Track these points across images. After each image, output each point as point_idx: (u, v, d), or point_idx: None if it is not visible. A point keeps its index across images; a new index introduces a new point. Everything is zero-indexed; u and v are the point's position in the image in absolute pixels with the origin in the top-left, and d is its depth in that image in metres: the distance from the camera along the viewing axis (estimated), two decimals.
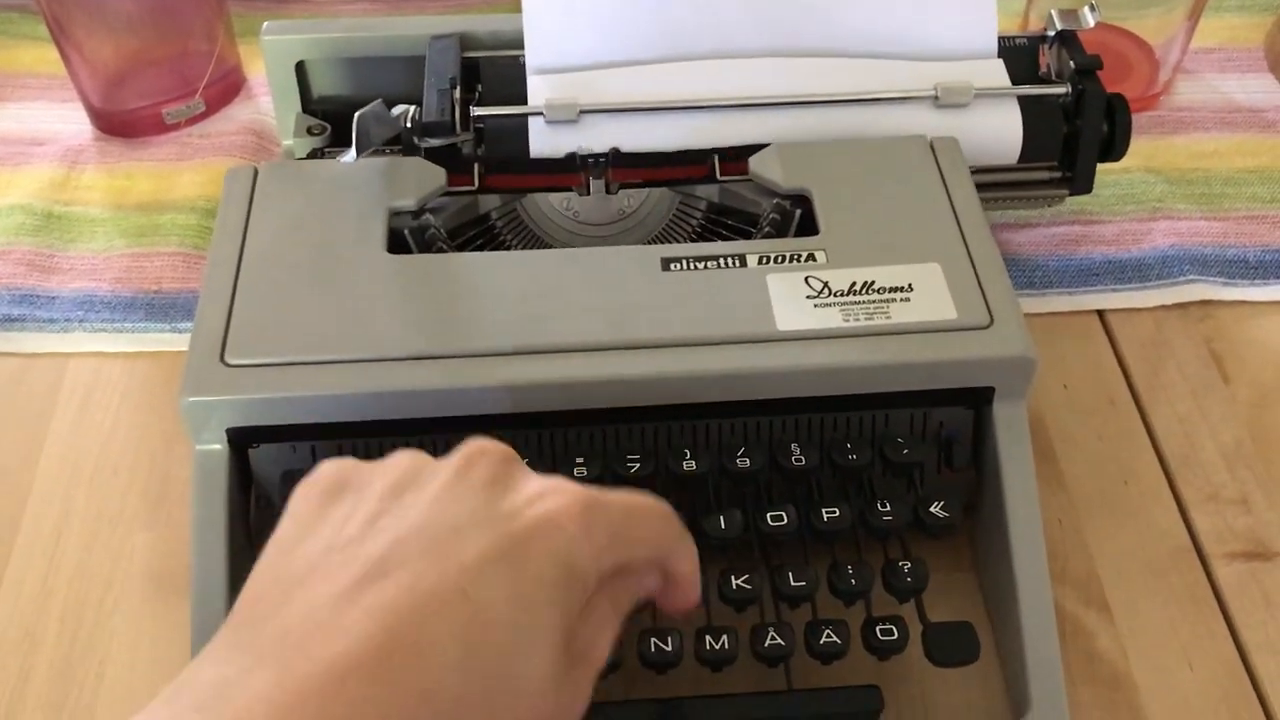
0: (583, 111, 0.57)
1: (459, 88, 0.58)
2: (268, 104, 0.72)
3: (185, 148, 0.71)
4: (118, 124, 0.72)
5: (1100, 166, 0.61)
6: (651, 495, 0.38)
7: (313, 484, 0.36)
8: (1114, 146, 0.60)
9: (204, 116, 0.73)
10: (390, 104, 0.57)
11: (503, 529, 0.33)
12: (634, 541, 0.36)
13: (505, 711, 0.32)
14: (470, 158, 0.57)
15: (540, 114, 0.57)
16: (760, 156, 0.56)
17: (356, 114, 0.54)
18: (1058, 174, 0.61)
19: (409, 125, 0.57)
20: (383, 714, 0.29)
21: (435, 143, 0.57)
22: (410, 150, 0.57)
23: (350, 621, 0.31)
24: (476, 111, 0.57)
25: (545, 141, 0.57)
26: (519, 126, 0.57)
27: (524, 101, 0.58)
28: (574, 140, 0.57)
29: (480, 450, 0.36)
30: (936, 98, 0.58)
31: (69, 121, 0.73)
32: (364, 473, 0.36)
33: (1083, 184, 0.61)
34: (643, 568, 0.38)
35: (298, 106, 0.64)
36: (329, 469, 0.37)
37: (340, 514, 0.35)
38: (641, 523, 0.37)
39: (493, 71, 0.60)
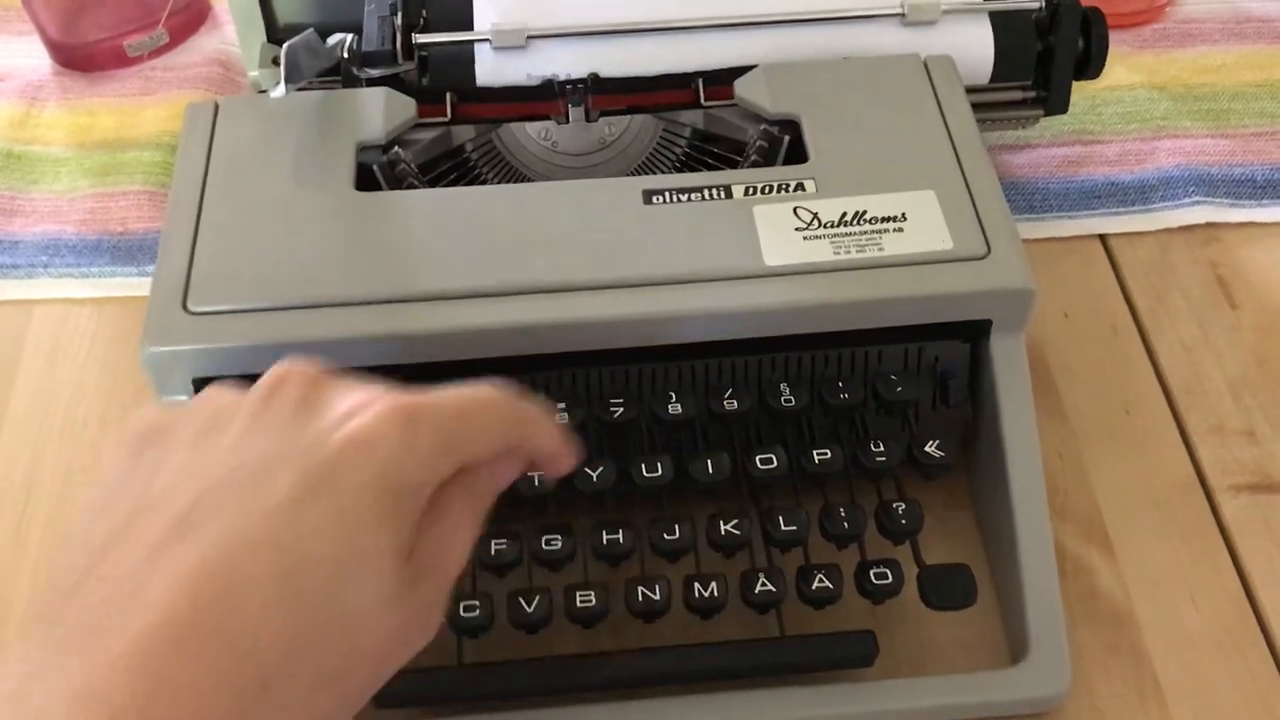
0: (531, 36, 0.54)
1: (401, 13, 0.55)
2: (234, 34, 0.68)
3: (149, 81, 0.68)
4: (78, 58, 0.69)
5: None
6: (488, 384, 0.35)
7: (126, 438, 0.34)
8: (1090, 63, 0.57)
9: (168, 48, 0.70)
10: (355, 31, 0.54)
11: (310, 459, 0.31)
12: (471, 439, 0.34)
13: (341, 642, 0.30)
14: (416, 87, 0.54)
15: (487, 40, 0.54)
16: (746, 80, 0.53)
17: (284, 45, 0.51)
18: (1032, 93, 0.58)
19: (346, 55, 0.54)
20: (195, 682, 0.28)
21: (375, 73, 0.54)
22: (350, 81, 0.54)
23: (154, 590, 0.29)
24: (419, 39, 0.54)
25: (493, 70, 0.54)
26: (465, 54, 0.54)
27: (470, 27, 0.55)
28: (523, 68, 0.54)
29: (283, 376, 0.34)
30: (903, 14, 0.55)
31: (27, 56, 0.70)
32: (169, 420, 0.34)
33: (1058, 104, 0.58)
34: (493, 460, 0.35)
35: (263, 36, 0.61)
36: (138, 419, 0.34)
37: (146, 468, 0.32)
38: (476, 418, 0.34)
39: None
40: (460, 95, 0.54)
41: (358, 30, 0.54)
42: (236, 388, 0.35)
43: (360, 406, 0.33)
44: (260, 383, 0.34)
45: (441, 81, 0.54)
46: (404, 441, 0.32)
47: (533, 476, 0.43)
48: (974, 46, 0.55)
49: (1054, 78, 0.57)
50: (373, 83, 0.54)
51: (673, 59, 0.55)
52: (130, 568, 0.29)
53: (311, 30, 0.52)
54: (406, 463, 0.32)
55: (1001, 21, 0.56)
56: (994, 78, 0.56)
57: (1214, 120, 0.65)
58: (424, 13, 0.56)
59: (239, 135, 0.50)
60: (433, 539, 0.33)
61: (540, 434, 0.36)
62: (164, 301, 0.45)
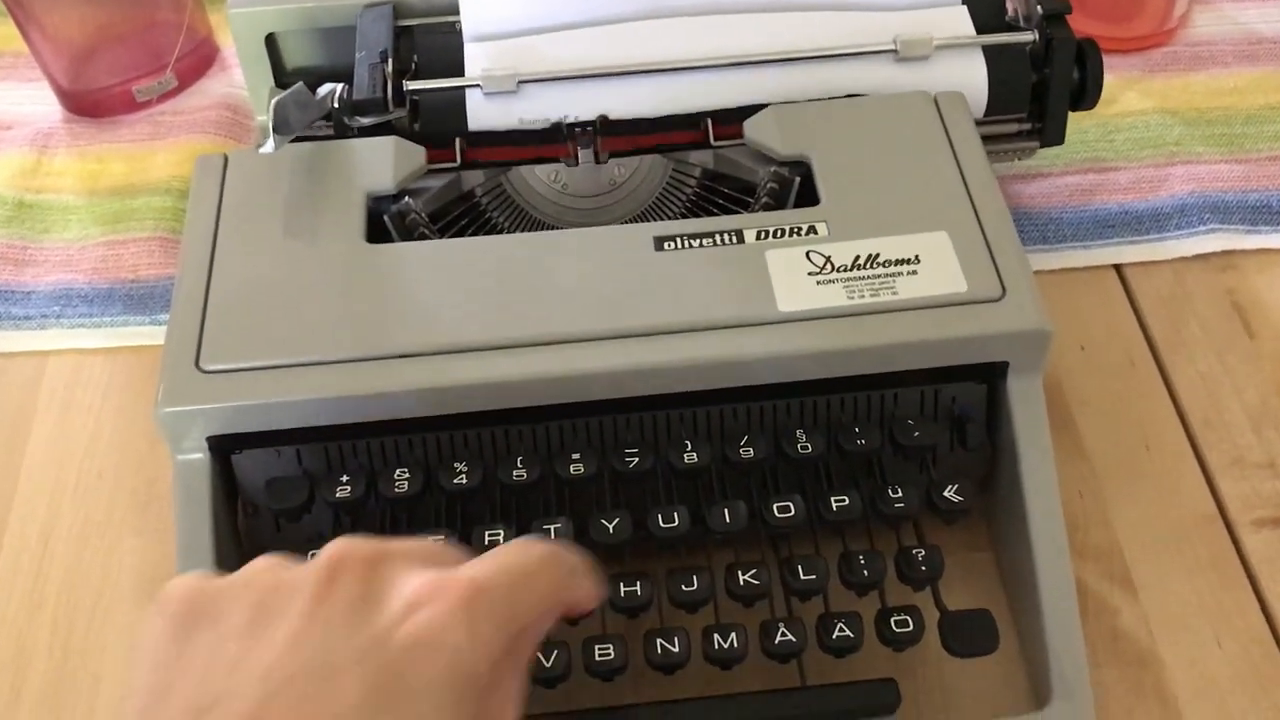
0: (522, 81, 0.54)
1: (391, 60, 0.55)
2: (242, 76, 0.69)
3: (158, 126, 0.68)
4: (87, 104, 0.69)
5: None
6: (532, 542, 0.35)
7: (161, 613, 0.32)
8: (1085, 94, 0.57)
9: (176, 92, 0.70)
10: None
11: (377, 661, 0.30)
12: (527, 611, 0.34)
13: None
14: (408, 134, 0.54)
15: (478, 85, 0.54)
16: (755, 120, 0.53)
17: (272, 100, 0.51)
18: (1028, 125, 0.58)
19: (336, 105, 0.54)
20: None
21: (367, 122, 0.54)
22: (341, 131, 0.54)
23: None
24: (410, 86, 0.54)
25: (484, 115, 0.54)
26: (456, 99, 0.54)
27: (462, 72, 0.55)
28: (515, 112, 0.54)
29: (342, 559, 0.33)
30: (896, 50, 0.55)
31: (37, 103, 0.70)
32: (216, 597, 0.33)
33: (1054, 135, 0.58)
34: (540, 621, 0.35)
35: (270, 80, 0.61)
36: (177, 592, 0.33)
37: (200, 656, 0.31)
38: (530, 588, 0.34)
39: (427, 41, 0.57)
40: (469, 139, 0.54)
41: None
42: (288, 561, 0.34)
43: (423, 597, 0.32)
44: (316, 565, 0.33)
45: (432, 126, 0.54)
46: (469, 631, 0.31)
47: None
48: (968, 81, 0.55)
49: (1049, 109, 0.57)
50: (365, 131, 0.54)
51: (661, 102, 0.54)
52: None
53: (300, 84, 0.52)
54: (472, 654, 0.31)
55: (995, 55, 0.56)
56: (989, 111, 0.56)
57: (1227, 145, 0.64)
58: (415, 59, 0.56)
59: (248, 188, 0.50)
60: (490, 712, 0.32)
61: (579, 588, 0.36)
62: (177, 360, 0.45)
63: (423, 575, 0.32)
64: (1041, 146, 0.58)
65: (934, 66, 0.55)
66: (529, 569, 0.34)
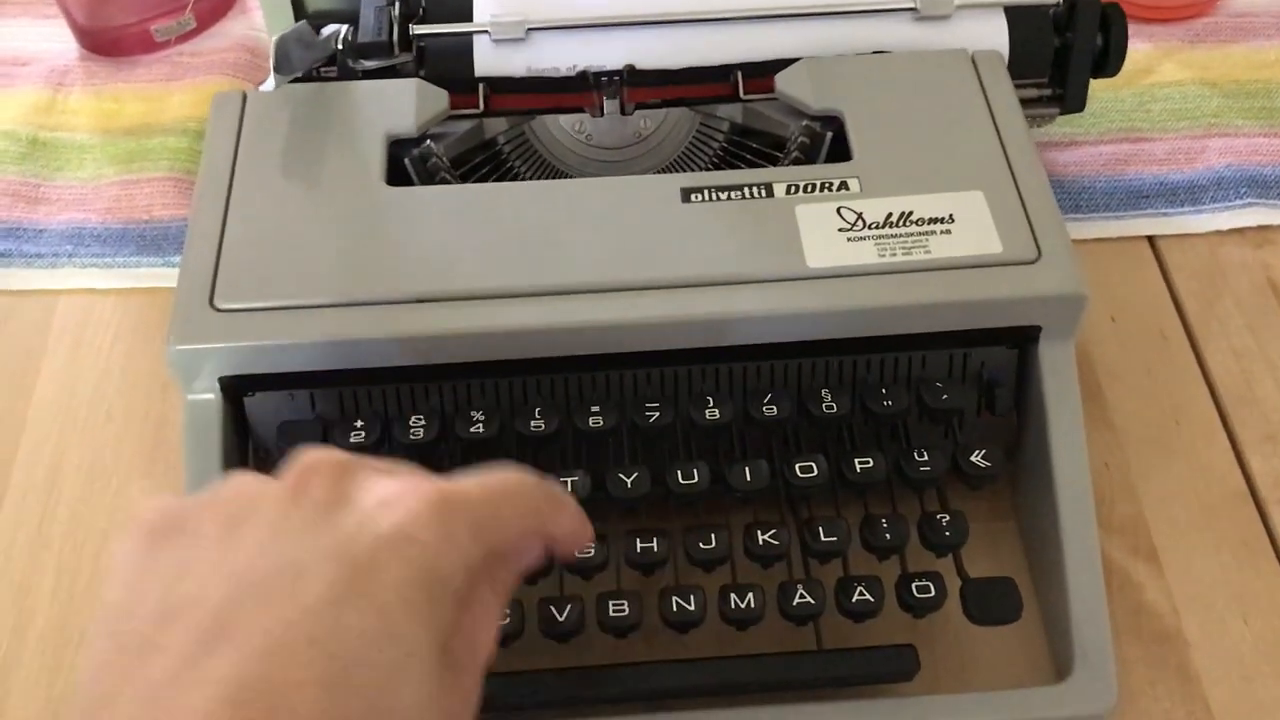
0: (531, 29, 0.53)
1: (398, 3, 0.53)
2: (262, 19, 0.67)
3: (176, 67, 0.67)
4: (104, 42, 0.68)
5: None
6: (508, 467, 0.34)
7: (137, 530, 0.32)
8: (1109, 61, 0.55)
9: (195, 33, 0.69)
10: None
11: (346, 556, 0.30)
12: (501, 526, 0.33)
13: None
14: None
15: (486, 31, 0.53)
16: (788, 74, 0.52)
17: (275, 37, 0.50)
18: (1048, 91, 0.56)
19: (341, 47, 0.52)
20: None
21: (371, 65, 0.52)
22: (345, 74, 0.53)
23: (192, 700, 0.27)
24: (416, 30, 0.53)
25: (491, 62, 0.53)
26: (463, 45, 0.53)
27: (470, 17, 0.54)
28: (522, 60, 0.53)
29: (312, 466, 0.32)
30: (916, 9, 0.53)
31: (54, 40, 0.69)
32: (191, 510, 0.32)
33: (1075, 102, 0.56)
34: (518, 544, 0.34)
35: (291, 22, 0.60)
36: (152, 509, 0.32)
37: (170, 566, 0.30)
38: (505, 504, 0.33)
39: None
40: (493, 86, 0.53)
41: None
42: (258, 476, 0.33)
43: (393, 498, 0.31)
44: (285, 473, 0.32)
45: (438, 73, 0.53)
46: (440, 533, 0.31)
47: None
48: (988, 42, 0.54)
49: (1071, 75, 0.55)
50: (369, 75, 0.52)
51: (678, 52, 0.53)
52: (165, 679, 0.28)
53: (304, 23, 0.51)
54: (443, 555, 0.31)
55: (1017, 17, 0.54)
56: (1009, 74, 0.55)
57: (1267, 118, 0.63)
58: (423, 3, 0.55)
59: (266, 126, 0.49)
60: (465, 628, 0.32)
61: (562, 516, 0.36)
62: (190, 298, 0.44)
63: (393, 480, 0.32)
64: (1062, 113, 0.57)
65: (955, 26, 0.54)
66: (507, 488, 0.34)
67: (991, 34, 0.54)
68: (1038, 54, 0.55)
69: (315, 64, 0.52)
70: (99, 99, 0.66)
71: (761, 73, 0.53)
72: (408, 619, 0.29)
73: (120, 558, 0.32)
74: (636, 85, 0.53)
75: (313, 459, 0.32)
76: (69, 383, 0.55)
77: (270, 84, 0.49)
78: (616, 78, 0.53)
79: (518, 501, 0.34)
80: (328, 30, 0.52)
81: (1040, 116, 0.57)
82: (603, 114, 0.53)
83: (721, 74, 0.53)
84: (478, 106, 0.53)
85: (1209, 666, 0.45)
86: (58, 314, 0.57)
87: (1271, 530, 0.49)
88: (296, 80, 0.51)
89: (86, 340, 0.56)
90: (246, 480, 0.33)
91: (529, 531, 0.34)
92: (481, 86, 0.53)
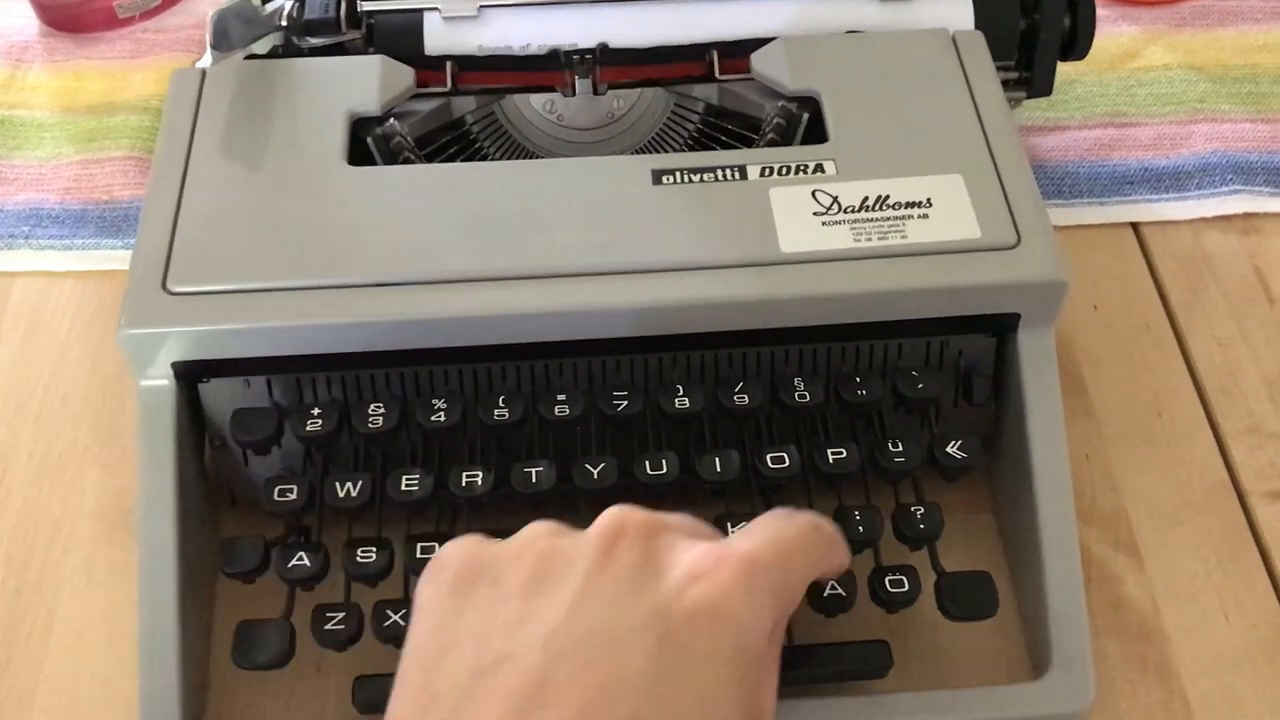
0: (484, 6, 0.51)
1: None
2: None
3: (139, 44, 0.66)
4: (66, 18, 0.66)
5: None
6: (794, 513, 0.35)
7: (439, 574, 0.33)
8: (1076, 44, 0.54)
9: (159, 10, 0.67)
10: None
11: (661, 629, 0.30)
12: (795, 587, 0.34)
13: None
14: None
15: (435, 9, 0.51)
16: (764, 53, 0.50)
17: (213, 11, 0.48)
18: (1015, 74, 0.55)
19: (285, 23, 0.51)
20: None
21: (318, 42, 0.51)
22: (291, 51, 0.51)
23: None
24: (365, 6, 0.51)
25: (442, 40, 0.52)
26: (413, 23, 0.51)
27: None
28: (475, 39, 0.51)
29: (620, 527, 0.33)
30: None
31: (13, 15, 0.67)
32: (494, 559, 0.33)
33: (1041, 85, 0.55)
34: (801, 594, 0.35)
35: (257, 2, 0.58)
36: (454, 554, 0.33)
37: (477, 616, 0.31)
38: (796, 561, 0.34)
39: None
40: (461, 64, 0.51)
41: None
42: (560, 528, 0.34)
43: (703, 569, 0.32)
44: (594, 531, 0.33)
45: (386, 51, 0.51)
46: (748, 607, 0.31)
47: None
48: (954, 23, 0.52)
49: (1038, 59, 0.54)
50: (315, 52, 0.51)
51: (642, 31, 0.52)
52: None
53: None
54: (750, 628, 0.31)
55: None
56: None
57: (1254, 104, 0.62)
58: None
59: (225, 104, 0.48)
60: (759, 694, 0.32)
61: (835, 556, 0.37)
62: (143, 280, 0.42)
63: (699, 546, 0.32)
64: (1029, 97, 0.56)
65: (918, 7, 0.53)
66: (795, 542, 0.34)
67: (956, 15, 0.53)
68: (1004, 36, 0.53)
69: (256, 40, 0.50)
70: (60, 76, 0.64)
71: (738, 53, 0.51)
72: (720, 697, 0.30)
73: (425, 601, 0.33)
74: (610, 64, 0.52)
75: (620, 518, 0.33)
76: (23, 367, 0.53)
77: (207, 59, 0.48)
78: (589, 56, 0.52)
79: (806, 555, 0.35)
80: (271, 6, 0.51)
81: (1007, 100, 0.56)
82: (575, 93, 0.52)
83: (697, 53, 0.52)
84: (445, 84, 0.51)
85: (1189, 662, 0.44)
86: (13, 296, 0.56)
87: (1254, 524, 0.48)
88: (252, 57, 0.49)
89: (43, 324, 0.55)
90: (551, 533, 0.33)
91: (811, 579, 0.35)
92: (450, 64, 0.51)
